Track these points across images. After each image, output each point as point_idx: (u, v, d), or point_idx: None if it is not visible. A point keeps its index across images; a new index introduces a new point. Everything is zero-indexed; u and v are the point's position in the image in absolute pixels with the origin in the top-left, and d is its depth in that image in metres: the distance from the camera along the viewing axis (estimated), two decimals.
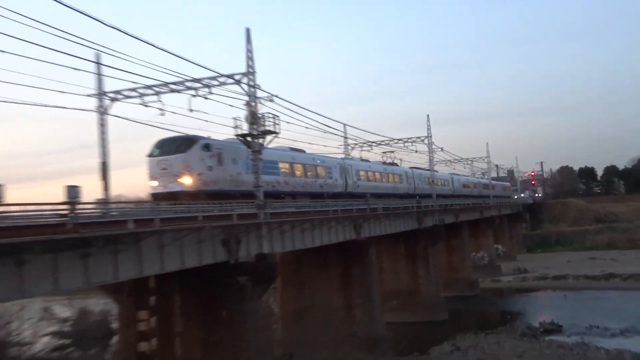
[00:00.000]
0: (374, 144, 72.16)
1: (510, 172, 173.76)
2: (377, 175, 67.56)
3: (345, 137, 67.11)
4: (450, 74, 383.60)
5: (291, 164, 49.60)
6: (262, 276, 34.99)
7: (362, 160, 68.20)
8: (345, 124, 68.18)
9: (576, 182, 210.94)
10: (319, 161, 54.92)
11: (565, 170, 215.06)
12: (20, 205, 24.37)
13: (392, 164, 76.04)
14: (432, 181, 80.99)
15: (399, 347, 48.86)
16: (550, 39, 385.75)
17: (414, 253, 67.02)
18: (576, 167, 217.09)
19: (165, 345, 33.09)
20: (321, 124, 50.93)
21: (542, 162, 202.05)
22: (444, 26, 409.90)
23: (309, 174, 52.45)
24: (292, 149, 52.73)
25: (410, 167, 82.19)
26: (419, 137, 76.02)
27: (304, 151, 53.94)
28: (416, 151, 76.22)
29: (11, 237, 20.49)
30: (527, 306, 71.09)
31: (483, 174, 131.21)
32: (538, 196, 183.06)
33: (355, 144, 69.48)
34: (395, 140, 74.50)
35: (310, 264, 50.44)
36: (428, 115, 75.72)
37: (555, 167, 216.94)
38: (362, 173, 63.10)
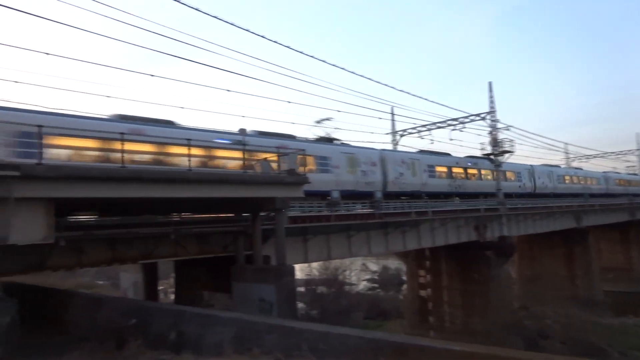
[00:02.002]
0: (590, 157, 63.17)
1: None
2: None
3: (567, 153, 59.98)
4: None
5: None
6: (503, 251, 33.13)
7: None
8: (566, 143, 60.98)
9: None
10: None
11: None
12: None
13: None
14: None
15: (615, 309, 42.03)
16: None
17: (627, 239, 56.85)
18: None
19: (436, 293, 33.30)
20: (545, 143, 46.84)
21: None
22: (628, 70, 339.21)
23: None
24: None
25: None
26: (629, 150, 64.84)
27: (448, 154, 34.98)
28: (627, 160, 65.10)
29: (343, 220, 22.74)
30: None
31: None
32: None
33: (575, 157, 61.53)
34: (608, 153, 64.37)
35: (539, 244, 46.18)
36: (638, 134, 63.87)
37: None
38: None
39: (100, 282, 42.58)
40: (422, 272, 33.99)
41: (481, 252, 31.76)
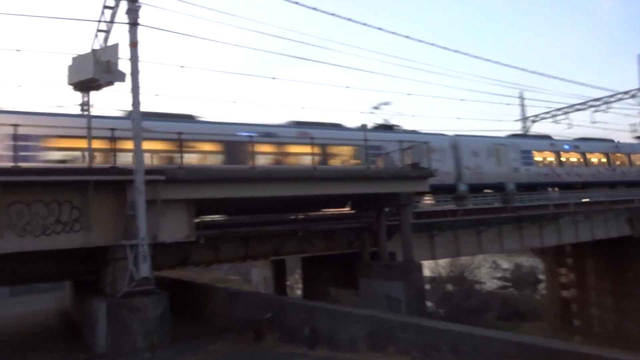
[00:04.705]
0: None
1: None
2: None
3: None
4: None
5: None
6: None
7: None
8: None
9: None
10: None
11: None
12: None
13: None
14: None
15: None
16: None
17: None
18: None
19: (581, 294, 30.38)
20: None
21: None
22: None
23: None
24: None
25: None
26: None
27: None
28: None
29: (473, 215, 21.77)
30: None
31: None
32: None
33: None
34: None
35: None
36: None
37: None
38: None
39: (233, 277, 45.92)
40: (563, 271, 31.23)
41: (636, 249, 28.22)
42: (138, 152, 11.99)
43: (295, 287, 34.19)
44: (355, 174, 16.36)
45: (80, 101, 13.16)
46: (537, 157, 27.28)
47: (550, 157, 28.10)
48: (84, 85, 12.69)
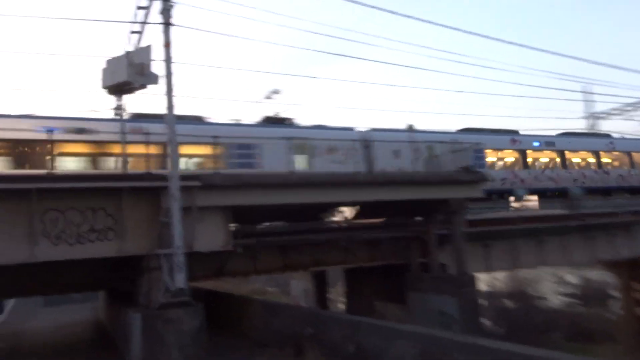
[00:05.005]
0: None
1: None
2: None
3: None
4: None
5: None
6: None
7: None
8: None
9: None
10: None
11: None
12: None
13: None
14: None
15: None
16: None
17: None
18: None
19: None
20: None
21: None
22: None
23: None
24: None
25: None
26: None
27: None
28: None
29: (532, 222, 20.98)
30: None
31: None
32: None
33: None
34: None
35: None
36: None
37: None
38: None
39: (271, 289, 46.11)
40: (638, 286, 29.55)
41: None
42: (173, 157, 12.13)
43: (338, 300, 33.97)
44: (401, 179, 16.03)
45: (114, 104, 13.56)
46: (492, 158, 23.85)
47: (512, 157, 24.60)
48: (118, 88, 13.01)
